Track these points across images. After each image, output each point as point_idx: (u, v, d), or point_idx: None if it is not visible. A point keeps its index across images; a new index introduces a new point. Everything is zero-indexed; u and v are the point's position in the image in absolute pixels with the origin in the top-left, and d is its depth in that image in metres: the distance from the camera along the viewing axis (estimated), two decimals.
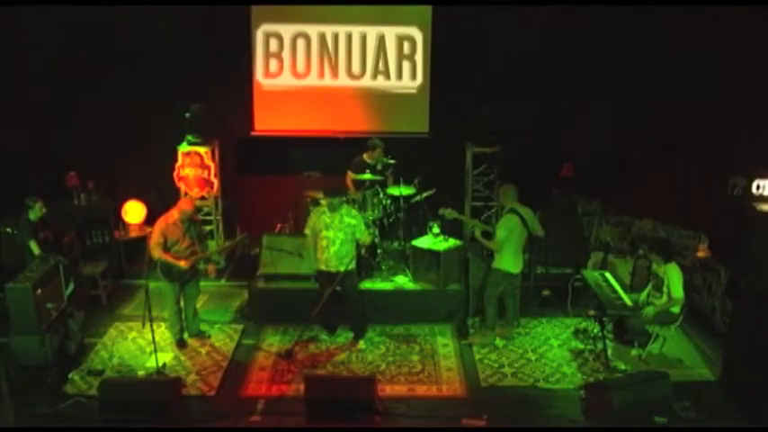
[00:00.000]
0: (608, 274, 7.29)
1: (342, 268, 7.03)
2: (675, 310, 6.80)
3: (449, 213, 7.47)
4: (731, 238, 7.61)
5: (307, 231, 7.29)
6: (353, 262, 7.16)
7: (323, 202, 7.19)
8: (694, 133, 8.58)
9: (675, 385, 6.19)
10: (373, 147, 8.53)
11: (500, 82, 9.23)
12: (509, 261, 7.12)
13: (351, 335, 7.47)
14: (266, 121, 9.57)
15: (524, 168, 8.88)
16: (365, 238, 7.20)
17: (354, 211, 7.29)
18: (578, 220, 8.93)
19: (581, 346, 7.31)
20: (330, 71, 9.43)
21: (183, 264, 6.88)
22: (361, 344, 7.34)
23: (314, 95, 9.49)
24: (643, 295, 7.06)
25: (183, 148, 8.90)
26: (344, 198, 7.25)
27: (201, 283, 7.58)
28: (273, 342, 7.45)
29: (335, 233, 7.01)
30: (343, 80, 9.48)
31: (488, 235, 7.25)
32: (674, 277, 6.72)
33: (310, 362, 7.05)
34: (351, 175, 8.53)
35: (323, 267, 7.13)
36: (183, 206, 6.98)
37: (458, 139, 9.33)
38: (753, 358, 6.09)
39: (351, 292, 7.28)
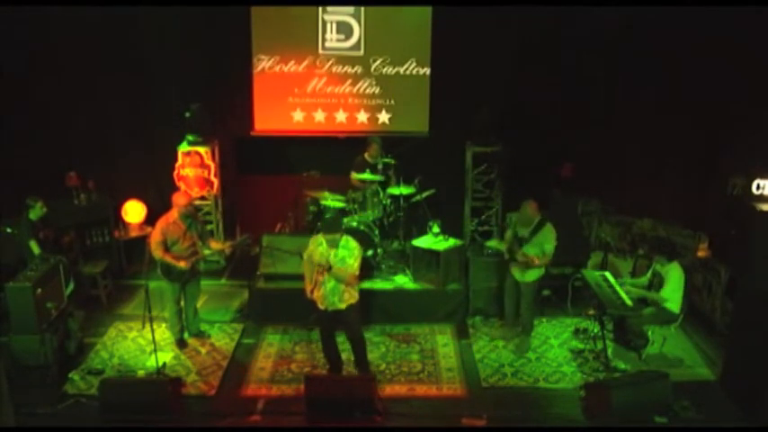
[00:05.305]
0: (608, 274, 7.29)
1: (341, 305, 6.34)
2: (675, 309, 6.80)
3: (496, 245, 7.76)
4: (731, 238, 7.61)
5: (305, 256, 6.49)
6: (353, 295, 6.40)
7: (323, 238, 6.27)
8: (694, 133, 8.58)
9: (675, 385, 6.19)
10: (370, 143, 8.54)
11: (500, 82, 9.22)
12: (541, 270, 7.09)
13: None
14: (266, 121, 9.56)
15: (524, 168, 8.88)
16: (349, 269, 6.21)
17: (352, 243, 6.31)
18: (578, 220, 8.91)
19: (581, 346, 7.32)
20: None
21: (182, 264, 6.86)
22: None
23: (314, 95, 9.47)
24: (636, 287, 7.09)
25: (183, 147, 8.91)
26: (343, 231, 6.39)
27: (202, 283, 7.57)
28: (273, 342, 7.45)
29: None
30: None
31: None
32: (673, 278, 6.73)
33: (310, 362, 7.05)
34: (354, 175, 8.54)
35: (320, 306, 6.38)
36: (178, 201, 6.91)
37: (458, 139, 9.33)
38: (753, 358, 6.08)
39: (351, 329, 6.59)
